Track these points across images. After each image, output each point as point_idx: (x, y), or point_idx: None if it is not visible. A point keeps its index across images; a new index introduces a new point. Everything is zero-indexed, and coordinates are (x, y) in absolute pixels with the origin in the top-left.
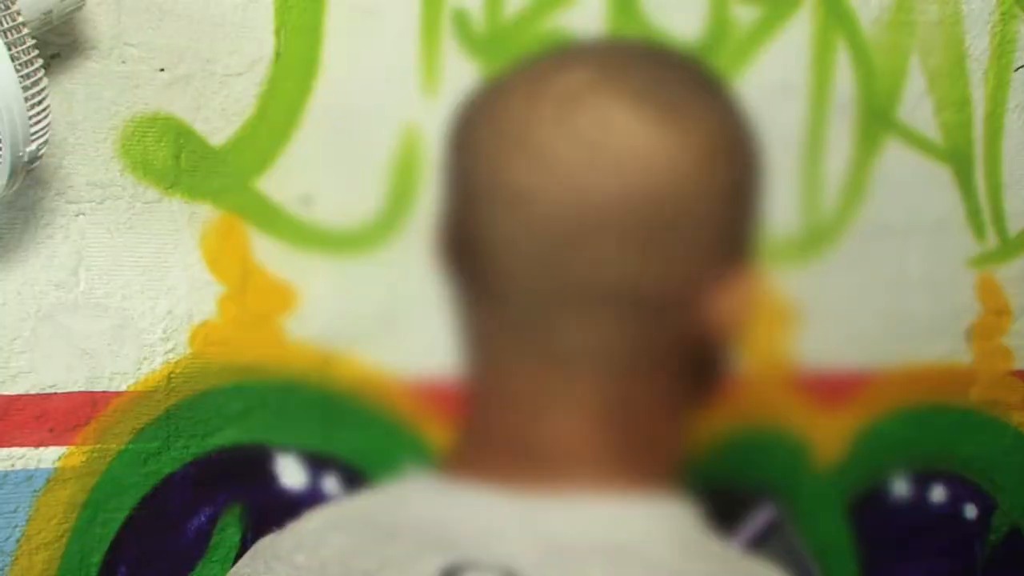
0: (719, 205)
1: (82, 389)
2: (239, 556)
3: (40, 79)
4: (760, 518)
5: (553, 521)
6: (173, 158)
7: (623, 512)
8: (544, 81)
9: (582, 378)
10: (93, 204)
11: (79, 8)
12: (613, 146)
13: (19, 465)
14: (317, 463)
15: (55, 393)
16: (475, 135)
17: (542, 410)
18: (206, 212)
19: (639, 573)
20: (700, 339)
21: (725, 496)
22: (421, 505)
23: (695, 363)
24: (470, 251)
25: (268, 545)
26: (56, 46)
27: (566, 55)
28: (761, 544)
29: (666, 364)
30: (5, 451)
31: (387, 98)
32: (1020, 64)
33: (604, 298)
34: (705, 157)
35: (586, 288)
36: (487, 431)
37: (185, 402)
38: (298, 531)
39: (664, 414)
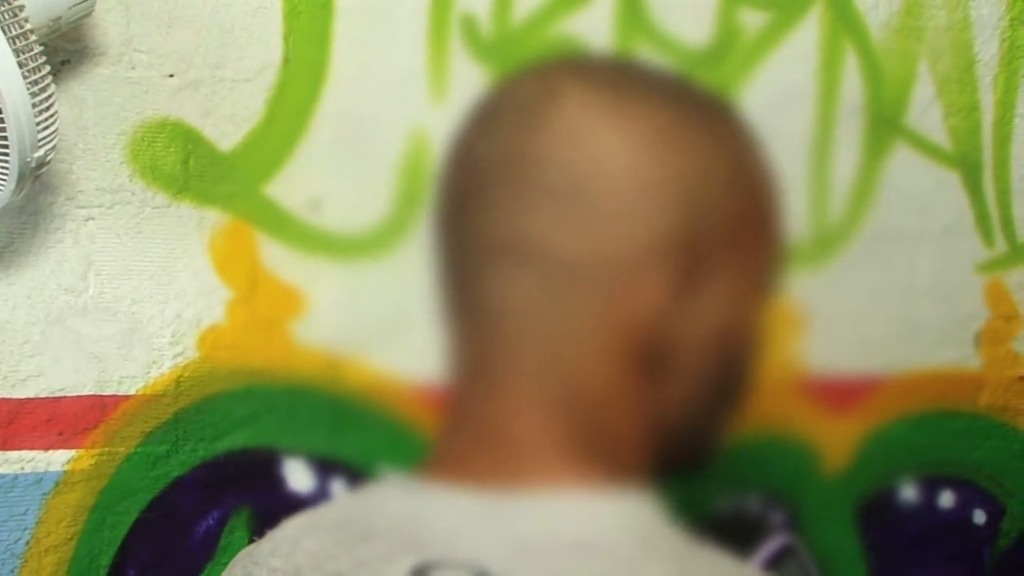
0: (667, 203)
1: (91, 393)
2: None
3: (48, 85)
4: (774, 543)
5: (519, 519)
6: (182, 163)
7: (587, 509)
8: (522, 79)
9: (528, 351)
10: (102, 209)
11: (88, 15)
12: (551, 114)
13: (29, 468)
14: (325, 467)
15: (64, 397)
16: (464, 120)
17: (498, 390)
18: (215, 217)
19: (603, 569)
20: (634, 331)
21: (741, 520)
22: (394, 506)
23: (650, 363)
24: (437, 217)
25: (248, 553)
26: (66, 52)
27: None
28: (774, 569)
29: (614, 351)
30: (15, 454)
31: (395, 103)
32: None
33: (520, 254)
34: (654, 153)
35: (505, 241)
36: (458, 426)
37: (193, 406)
38: (276, 537)
39: (624, 409)
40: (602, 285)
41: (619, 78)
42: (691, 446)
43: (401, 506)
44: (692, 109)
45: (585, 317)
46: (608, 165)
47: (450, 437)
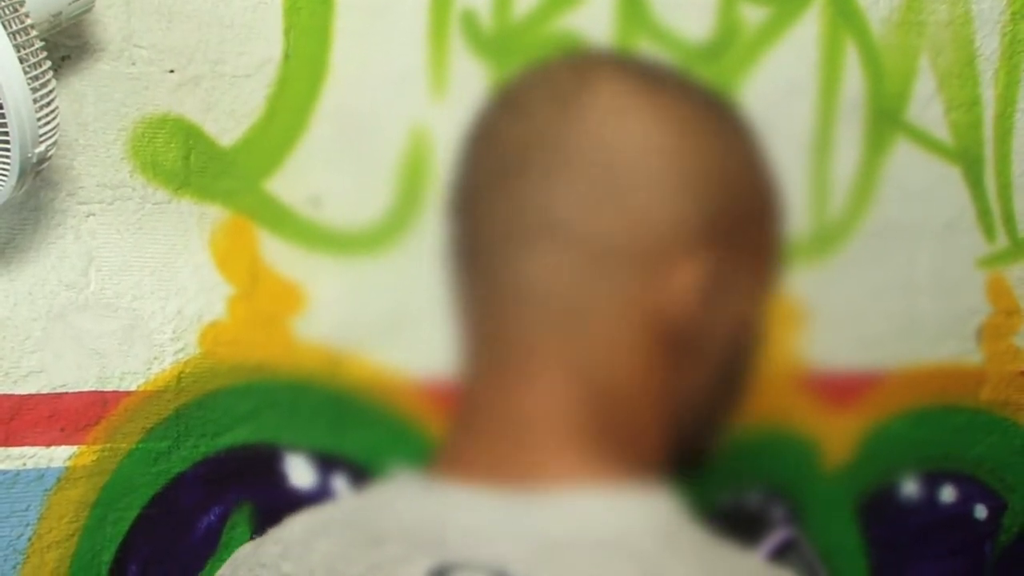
0: (699, 188)
1: (93, 389)
2: None
3: (48, 81)
4: (777, 537)
5: (538, 517)
6: (183, 159)
7: (607, 506)
8: (553, 68)
9: (556, 337)
10: (103, 205)
11: (88, 10)
12: (585, 99)
13: (30, 464)
14: (326, 463)
15: (66, 393)
16: (486, 105)
17: (518, 382)
18: (216, 213)
19: (625, 567)
20: (667, 317)
21: (743, 514)
22: (408, 506)
23: (676, 353)
24: (456, 200)
25: (250, 553)
26: (66, 48)
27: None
28: (778, 562)
29: (645, 334)
30: (17, 450)
31: (396, 99)
32: None
33: (554, 239)
34: (686, 140)
35: (536, 223)
36: (472, 422)
37: (195, 402)
38: (283, 538)
39: (648, 401)
40: (637, 269)
41: (645, 69)
42: (696, 444)
43: (415, 506)
44: (704, 103)
45: (618, 301)
46: (643, 150)
47: (463, 434)
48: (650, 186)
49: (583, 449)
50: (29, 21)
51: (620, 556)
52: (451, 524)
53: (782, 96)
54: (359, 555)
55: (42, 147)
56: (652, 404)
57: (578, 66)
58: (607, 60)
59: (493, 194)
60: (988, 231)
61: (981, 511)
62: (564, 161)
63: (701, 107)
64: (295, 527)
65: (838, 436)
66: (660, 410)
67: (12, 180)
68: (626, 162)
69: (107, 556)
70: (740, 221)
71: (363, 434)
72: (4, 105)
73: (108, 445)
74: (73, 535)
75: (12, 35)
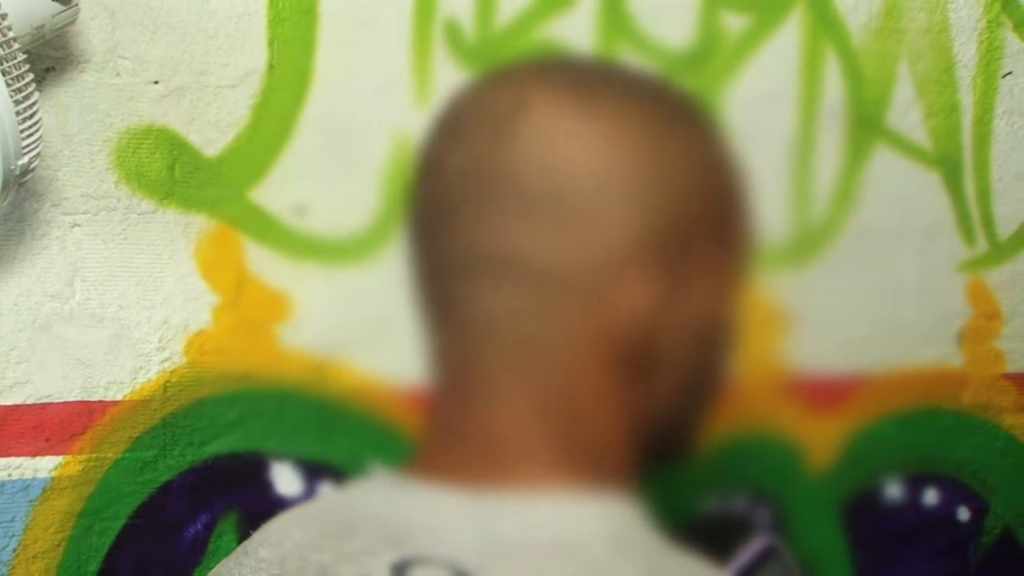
0: (638, 205)
1: (78, 399)
2: None
3: (31, 93)
4: (757, 544)
5: (499, 519)
6: (167, 169)
7: (565, 510)
8: (487, 88)
9: (510, 361)
10: (88, 215)
11: (72, 22)
12: (518, 123)
13: (16, 475)
14: (312, 471)
15: (51, 403)
16: (430, 130)
17: (481, 396)
18: (201, 223)
19: (574, 569)
20: (619, 337)
21: (726, 520)
22: (379, 503)
23: (636, 367)
24: (410, 229)
25: (242, 544)
26: (51, 59)
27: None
28: (756, 572)
29: (599, 357)
30: (2, 461)
31: (380, 108)
32: (1007, 70)
33: (497, 267)
34: (623, 155)
35: (479, 255)
36: (443, 427)
37: (181, 411)
38: (266, 528)
39: (608, 413)
40: (582, 293)
41: (587, 81)
42: (672, 440)
43: (386, 502)
44: (663, 109)
45: (567, 326)
46: (576, 172)
47: (434, 438)
48: (586, 210)
49: (545, 458)
50: (11, 34)
51: (568, 558)
52: (416, 521)
53: (763, 103)
54: (329, 545)
55: (25, 159)
56: (613, 416)
57: (510, 86)
58: (540, 76)
59: (439, 225)
60: (968, 235)
61: (964, 513)
62: (499, 190)
63: (649, 115)
64: (280, 519)
65: (821, 440)
66: (622, 420)
67: None
68: (560, 188)
69: (93, 566)
70: (695, 227)
71: (349, 442)
72: None
73: (94, 455)
74: (59, 545)
75: None
